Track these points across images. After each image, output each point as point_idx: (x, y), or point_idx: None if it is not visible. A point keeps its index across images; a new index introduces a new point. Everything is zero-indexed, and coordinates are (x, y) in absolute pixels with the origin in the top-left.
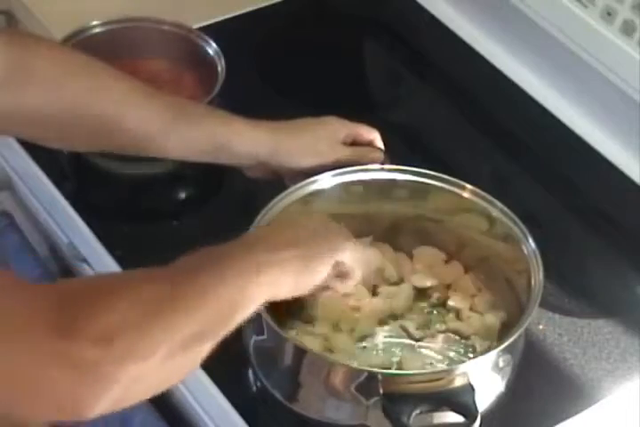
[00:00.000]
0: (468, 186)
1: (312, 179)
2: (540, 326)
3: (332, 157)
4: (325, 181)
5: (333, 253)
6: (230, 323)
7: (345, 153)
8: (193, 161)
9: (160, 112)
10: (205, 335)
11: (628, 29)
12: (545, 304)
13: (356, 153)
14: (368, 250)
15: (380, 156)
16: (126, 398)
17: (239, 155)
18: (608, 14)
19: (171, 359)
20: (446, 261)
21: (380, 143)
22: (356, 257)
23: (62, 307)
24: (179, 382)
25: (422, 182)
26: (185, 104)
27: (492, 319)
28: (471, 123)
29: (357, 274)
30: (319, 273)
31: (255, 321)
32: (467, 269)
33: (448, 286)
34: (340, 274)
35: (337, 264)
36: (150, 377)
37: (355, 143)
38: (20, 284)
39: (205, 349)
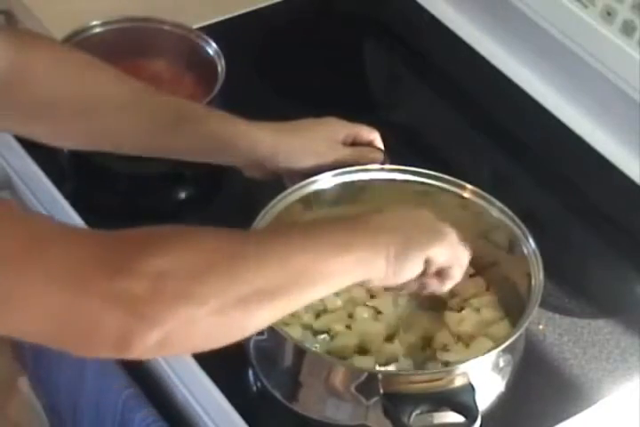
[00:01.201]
0: (468, 186)
1: (312, 179)
2: (540, 326)
3: (332, 157)
4: (325, 181)
5: (432, 246)
6: (300, 293)
7: (345, 153)
8: (193, 161)
9: (159, 112)
10: (266, 297)
11: (628, 29)
12: (545, 304)
13: (356, 153)
14: (464, 250)
15: (380, 156)
16: (173, 343)
17: (239, 155)
18: (608, 14)
19: (224, 313)
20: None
21: (379, 143)
22: (455, 252)
23: (116, 246)
24: (227, 343)
25: (422, 182)
26: (185, 104)
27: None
28: (471, 123)
29: (458, 274)
30: (414, 264)
31: None
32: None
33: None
34: (440, 273)
35: (435, 261)
36: (200, 326)
37: (355, 144)
38: (71, 228)
39: (265, 314)
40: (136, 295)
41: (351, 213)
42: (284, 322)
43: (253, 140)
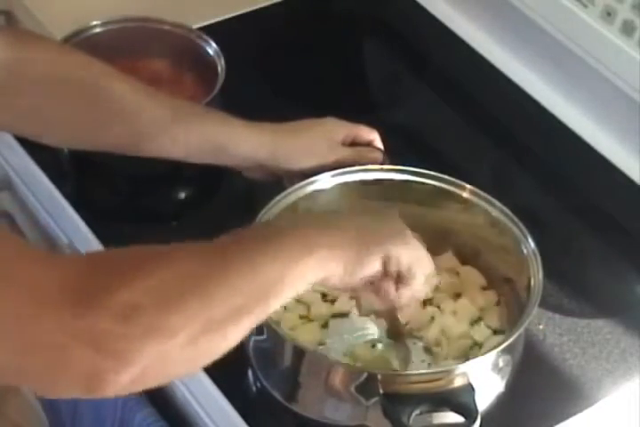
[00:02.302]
0: (468, 186)
1: (311, 179)
2: (540, 326)
3: (331, 157)
4: (325, 181)
5: (392, 244)
6: (268, 304)
7: (344, 154)
8: (192, 162)
9: (158, 112)
10: (238, 314)
11: (627, 29)
12: (545, 304)
13: (356, 153)
14: (427, 256)
15: (380, 156)
16: (147, 378)
17: (238, 156)
18: (608, 14)
19: (197, 341)
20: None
21: (379, 144)
22: (416, 257)
23: (88, 278)
24: (205, 365)
25: (422, 183)
26: (184, 105)
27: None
28: (471, 123)
29: (417, 284)
30: (371, 262)
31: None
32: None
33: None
34: (399, 278)
35: (394, 261)
36: (174, 358)
37: (354, 144)
38: (42, 254)
39: (241, 330)
40: (105, 332)
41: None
42: None
43: (252, 141)
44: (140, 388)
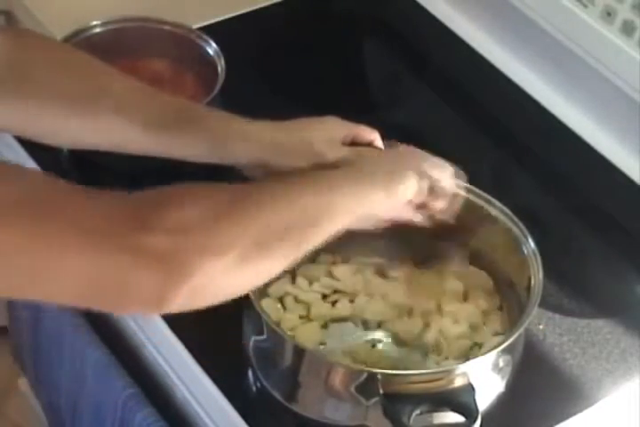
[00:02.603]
0: (467, 185)
1: None
2: (540, 326)
3: (331, 157)
4: None
5: (420, 165)
6: (312, 228)
7: (344, 153)
8: (193, 161)
9: (158, 112)
10: (282, 236)
11: (627, 29)
12: (545, 304)
13: (355, 153)
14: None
15: None
16: (204, 294)
17: (238, 155)
18: (608, 14)
19: (246, 259)
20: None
21: (380, 144)
22: (442, 170)
23: (138, 204)
24: (256, 287)
25: None
26: (183, 104)
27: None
28: (471, 123)
29: (449, 185)
30: (409, 181)
31: (255, 321)
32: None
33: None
34: (433, 190)
35: (426, 176)
36: (226, 275)
37: (354, 144)
38: (90, 190)
39: (284, 253)
40: (161, 250)
41: None
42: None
43: (252, 140)
44: (196, 305)
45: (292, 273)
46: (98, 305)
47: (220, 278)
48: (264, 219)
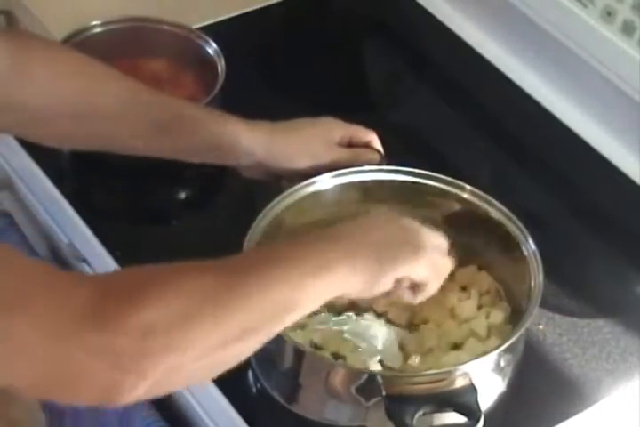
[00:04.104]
0: (468, 187)
1: (311, 180)
2: (540, 326)
3: (328, 158)
4: (324, 182)
5: (410, 264)
6: (283, 320)
7: (341, 154)
8: (191, 161)
9: (157, 112)
10: (250, 333)
11: (628, 29)
12: (545, 304)
13: (352, 154)
14: (446, 263)
15: (377, 158)
16: (160, 388)
17: (236, 155)
18: (608, 14)
19: (208, 356)
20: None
21: (377, 145)
22: (433, 268)
23: (103, 297)
24: (213, 377)
25: (421, 184)
26: (182, 104)
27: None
28: (471, 123)
29: (431, 289)
30: (387, 282)
31: None
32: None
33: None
34: (413, 286)
35: (410, 278)
36: (185, 371)
37: (352, 145)
38: (56, 273)
39: (251, 346)
40: (122, 350)
41: (350, 214)
42: None
43: (250, 141)
44: (152, 397)
45: None
46: (54, 396)
47: (179, 374)
48: (235, 318)
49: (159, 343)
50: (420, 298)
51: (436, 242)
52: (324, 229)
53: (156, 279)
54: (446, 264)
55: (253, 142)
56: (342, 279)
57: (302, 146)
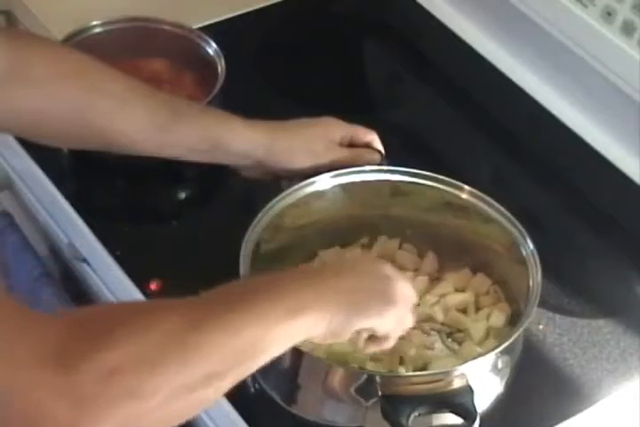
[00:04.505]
0: (466, 187)
1: (310, 180)
2: (540, 326)
3: (328, 157)
4: (324, 182)
5: (377, 318)
6: (250, 365)
7: (341, 154)
8: (189, 160)
9: (157, 111)
10: (216, 379)
11: (628, 29)
12: (545, 304)
13: (353, 154)
14: (410, 318)
15: (378, 158)
16: None
17: (235, 154)
18: (608, 14)
19: (174, 401)
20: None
21: (378, 145)
22: (398, 323)
23: (70, 338)
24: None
25: (420, 184)
26: (182, 103)
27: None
28: (471, 123)
29: (389, 343)
30: (355, 328)
31: None
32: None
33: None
34: (372, 336)
35: (373, 330)
36: (149, 416)
37: (352, 144)
38: (21, 312)
39: (217, 391)
40: (84, 392)
41: (349, 214)
42: None
43: (249, 140)
44: None
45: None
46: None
47: (141, 420)
48: (201, 362)
49: (121, 387)
50: (373, 349)
51: (408, 294)
52: (300, 268)
53: (123, 321)
54: (410, 320)
55: (252, 142)
56: (311, 325)
57: (303, 146)
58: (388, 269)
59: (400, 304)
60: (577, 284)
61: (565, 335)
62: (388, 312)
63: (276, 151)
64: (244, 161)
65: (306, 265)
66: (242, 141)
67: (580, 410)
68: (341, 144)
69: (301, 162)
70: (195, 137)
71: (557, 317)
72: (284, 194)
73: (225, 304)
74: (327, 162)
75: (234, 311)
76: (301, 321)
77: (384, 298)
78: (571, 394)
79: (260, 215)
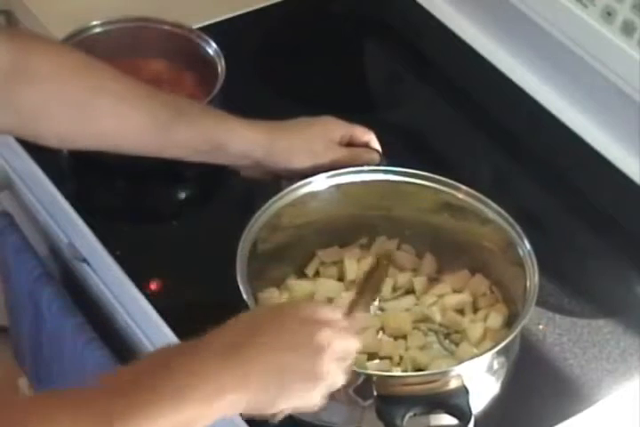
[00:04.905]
0: (463, 187)
1: (306, 180)
2: (540, 326)
3: (327, 157)
4: (320, 182)
5: (301, 398)
6: None
7: (340, 154)
8: (189, 160)
9: (157, 111)
10: None
11: (628, 29)
12: (545, 304)
13: (352, 154)
14: (341, 375)
15: (376, 157)
16: None
17: (235, 154)
18: (608, 14)
19: None
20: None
21: (376, 144)
22: (324, 395)
23: None
24: None
25: (417, 184)
26: (182, 103)
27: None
28: (471, 123)
29: (310, 409)
30: (278, 409)
31: None
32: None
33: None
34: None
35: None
36: None
37: (351, 144)
38: None
39: None
40: None
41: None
42: None
43: (249, 140)
44: None
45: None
46: None
47: None
48: None
49: None
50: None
51: (334, 369)
52: (224, 340)
53: (28, 421)
54: (341, 380)
55: (252, 142)
56: (229, 407)
57: (302, 145)
58: (322, 322)
59: (327, 381)
60: (577, 284)
61: (565, 335)
62: (313, 392)
63: (276, 151)
64: (243, 161)
65: (233, 333)
66: (241, 142)
67: (579, 410)
68: (341, 143)
69: (301, 162)
70: (195, 138)
71: (557, 317)
72: (280, 194)
73: (144, 392)
74: (327, 162)
75: (151, 403)
76: (219, 405)
77: (309, 378)
78: (571, 394)
79: (256, 215)
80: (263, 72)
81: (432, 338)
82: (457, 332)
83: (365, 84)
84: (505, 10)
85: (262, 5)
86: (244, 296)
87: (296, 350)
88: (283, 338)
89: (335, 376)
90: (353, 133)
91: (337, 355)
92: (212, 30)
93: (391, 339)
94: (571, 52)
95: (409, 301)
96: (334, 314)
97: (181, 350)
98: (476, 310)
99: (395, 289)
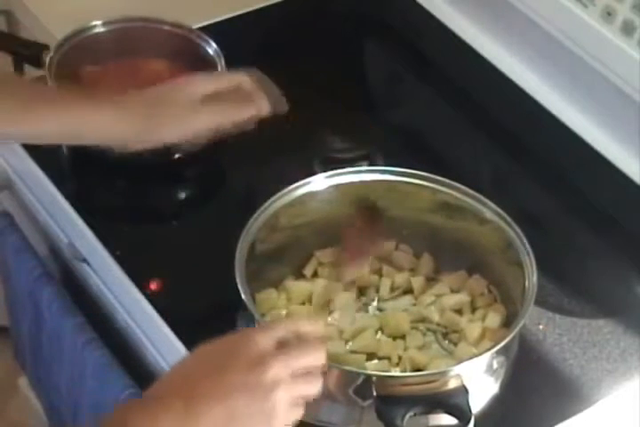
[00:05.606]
0: (462, 187)
1: (305, 180)
2: (540, 326)
3: (199, 121)
4: (318, 182)
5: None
6: None
7: (211, 113)
8: (51, 144)
9: (10, 102)
10: None
11: (628, 29)
12: (545, 304)
13: (222, 109)
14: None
15: (263, 104)
16: None
17: (96, 141)
18: (608, 14)
19: None
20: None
21: (256, 90)
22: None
23: None
24: None
25: (415, 184)
26: (38, 92)
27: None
28: (471, 123)
29: None
30: None
31: (252, 323)
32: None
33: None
34: None
35: None
36: None
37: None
38: None
39: None
40: None
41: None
42: None
43: (102, 127)
44: None
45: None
46: None
47: None
48: None
49: None
50: None
51: (288, 403)
52: (169, 387)
53: None
54: (298, 415)
55: (110, 128)
56: None
57: (165, 117)
58: (268, 356)
59: (281, 416)
60: (577, 284)
61: (565, 335)
62: None
63: (140, 130)
64: (114, 143)
65: (180, 382)
66: (95, 130)
67: (579, 410)
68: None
69: (173, 133)
70: (49, 127)
71: (557, 317)
72: (278, 195)
73: None
74: (201, 126)
75: None
76: None
77: (263, 419)
78: (571, 394)
79: (255, 215)
80: (263, 72)
81: (430, 338)
82: (455, 332)
83: (365, 84)
84: (505, 10)
85: (262, 5)
86: (243, 297)
87: (245, 392)
88: (229, 383)
89: (289, 413)
90: (217, 87)
91: (291, 392)
92: (212, 30)
93: (390, 339)
94: (571, 52)
95: (407, 301)
96: (271, 340)
97: (140, 407)
98: (474, 309)
99: (393, 289)
